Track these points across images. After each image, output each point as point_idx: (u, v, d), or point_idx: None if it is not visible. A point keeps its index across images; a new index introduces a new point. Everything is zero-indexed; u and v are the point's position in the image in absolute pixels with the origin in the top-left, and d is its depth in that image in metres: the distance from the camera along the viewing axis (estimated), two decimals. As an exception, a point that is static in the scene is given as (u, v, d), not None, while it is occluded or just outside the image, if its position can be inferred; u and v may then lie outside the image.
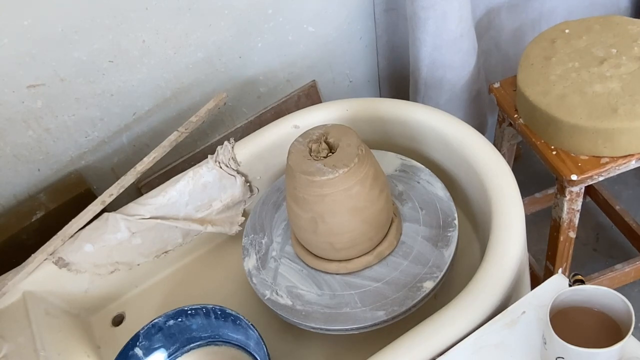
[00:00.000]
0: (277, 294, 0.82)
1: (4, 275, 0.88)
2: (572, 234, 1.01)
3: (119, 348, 0.80)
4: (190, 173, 0.94)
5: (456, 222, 0.83)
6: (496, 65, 1.33)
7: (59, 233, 0.89)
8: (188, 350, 0.86)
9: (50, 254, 0.88)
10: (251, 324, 0.78)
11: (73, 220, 0.90)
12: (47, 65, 0.91)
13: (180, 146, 1.01)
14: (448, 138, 0.89)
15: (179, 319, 0.83)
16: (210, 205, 0.97)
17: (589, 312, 0.60)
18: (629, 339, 0.55)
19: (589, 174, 0.90)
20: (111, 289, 0.96)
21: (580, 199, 0.95)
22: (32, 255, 0.88)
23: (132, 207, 0.92)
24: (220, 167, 0.95)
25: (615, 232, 1.35)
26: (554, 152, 0.94)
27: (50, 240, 0.88)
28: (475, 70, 1.19)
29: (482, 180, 0.82)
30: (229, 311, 0.81)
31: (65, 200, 0.98)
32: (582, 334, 0.58)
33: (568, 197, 0.94)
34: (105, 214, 0.90)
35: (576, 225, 1.00)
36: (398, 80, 1.33)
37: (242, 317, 0.79)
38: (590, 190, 1.35)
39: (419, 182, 0.89)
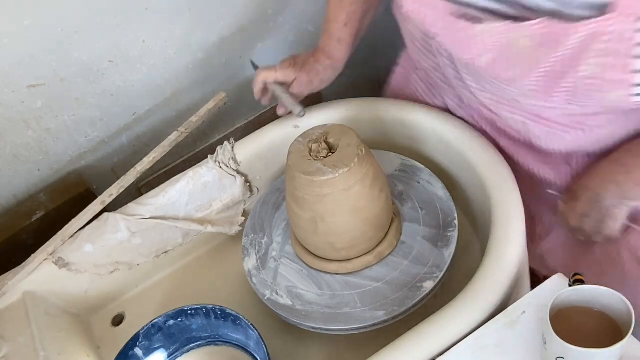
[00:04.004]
0: (277, 294, 0.82)
1: (4, 275, 0.88)
2: (572, 234, 1.01)
3: (119, 348, 0.80)
4: (190, 173, 0.94)
5: (456, 222, 0.83)
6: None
7: (59, 233, 0.89)
8: (188, 350, 0.86)
9: (50, 254, 0.88)
10: (251, 324, 0.78)
11: (73, 220, 0.90)
12: (47, 65, 0.91)
13: (180, 146, 1.01)
14: (448, 138, 0.89)
15: (179, 319, 0.83)
16: (210, 205, 0.97)
17: (589, 312, 0.60)
18: (629, 339, 0.55)
19: (589, 174, 0.90)
20: (111, 289, 0.96)
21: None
22: (32, 255, 0.88)
23: (132, 207, 0.92)
24: (220, 167, 0.95)
25: (615, 232, 1.35)
26: (554, 152, 0.94)
27: (50, 240, 0.88)
28: (475, 70, 1.19)
29: (482, 180, 0.82)
30: (229, 311, 0.81)
31: (65, 200, 0.98)
32: (582, 334, 0.58)
33: (568, 197, 0.94)
34: (105, 214, 0.91)
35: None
36: (398, 80, 1.33)
37: (242, 317, 0.79)
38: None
39: (419, 182, 0.89)
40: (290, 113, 0.94)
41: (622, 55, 0.50)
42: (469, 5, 0.56)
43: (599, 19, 0.48)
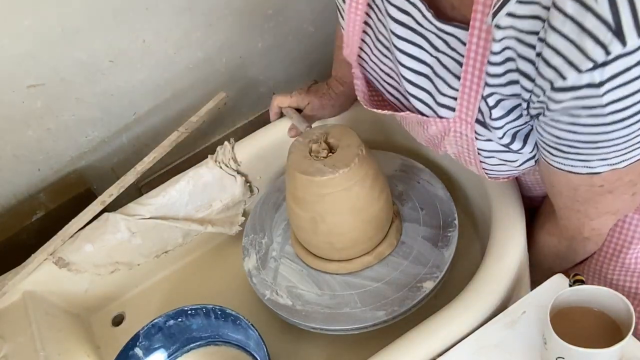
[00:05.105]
0: (277, 294, 0.82)
1: (4, 275, 0.88)
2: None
3: (119, 348, 0.80)
4: (190, 173, 0.94)
5: (456, 222, 0.83)
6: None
7: (59, 233, 0.89)
8: (188, 350, 0.86)
9: (50, 254, 0.88)
10: (251, 324, 0.78)
11: (73, 220, 0.90)
12: (47, 65, 0.91)
13: (180, 146, 1.01)
14: (448, 138, 0.89)
15: (179, 319, 0.83)
16: (210, 205, 0.97)
17: (589, 312, 0.60)
18: (629, 339, 0.55)
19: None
20: (111, 289, 0.96)
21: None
22: (32, 255, 0.88)
23: (132, 207, 0.92)
24: (220, 167, 0.95)
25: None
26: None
27: (50, 240, 0.88)
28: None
29: (482, 180, 0.82)
30: (229, 311, 0.81)
31: (65, 200, 0.98)
32: (582, 334, 0.58)
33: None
34: (105, 214, 0.90)
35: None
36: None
37: (242, 317, 0.79)
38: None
39: (419, 182, 0.89)
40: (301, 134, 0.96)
41: (469, 149, 0.64)
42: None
43: (443, 119, 0.62)
